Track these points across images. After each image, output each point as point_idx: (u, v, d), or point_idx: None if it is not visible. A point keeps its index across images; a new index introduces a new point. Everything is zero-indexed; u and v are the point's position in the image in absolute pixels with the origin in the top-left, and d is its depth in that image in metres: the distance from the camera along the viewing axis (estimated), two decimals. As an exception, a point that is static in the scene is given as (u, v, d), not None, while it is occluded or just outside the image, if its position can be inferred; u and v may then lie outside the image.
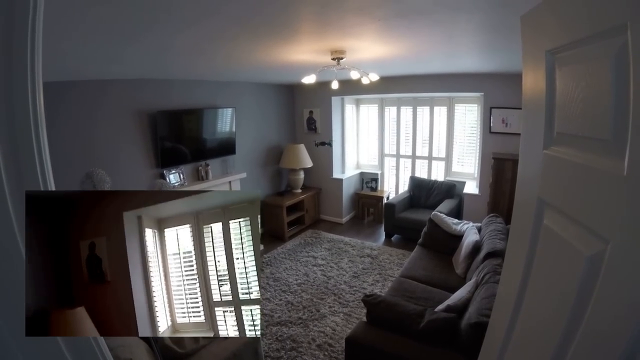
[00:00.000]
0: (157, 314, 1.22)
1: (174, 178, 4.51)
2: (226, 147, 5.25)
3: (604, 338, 0.67)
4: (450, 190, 5.62)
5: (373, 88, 5.23)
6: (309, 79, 3.44)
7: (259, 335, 2.69)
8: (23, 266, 0.88)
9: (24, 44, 0.83)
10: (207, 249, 1.29)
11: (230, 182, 5.32)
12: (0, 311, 0.91)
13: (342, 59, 3.03)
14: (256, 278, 1.28)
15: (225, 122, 5.19)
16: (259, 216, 1.31)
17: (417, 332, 2.26)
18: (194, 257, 1.29)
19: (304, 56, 3.12)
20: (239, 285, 1.27)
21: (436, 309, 2.52)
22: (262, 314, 3.74)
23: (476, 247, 3.49)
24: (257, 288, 1.29)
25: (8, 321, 0.91)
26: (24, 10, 0.82)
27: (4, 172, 0.83)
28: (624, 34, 0.60)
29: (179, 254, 1.29)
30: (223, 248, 1.27)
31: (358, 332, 2.46)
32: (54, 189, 0.91)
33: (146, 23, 1.83)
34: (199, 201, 1.28)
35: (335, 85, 3.71)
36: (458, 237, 3.95)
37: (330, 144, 6.47)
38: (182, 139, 4.57)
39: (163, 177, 4.37)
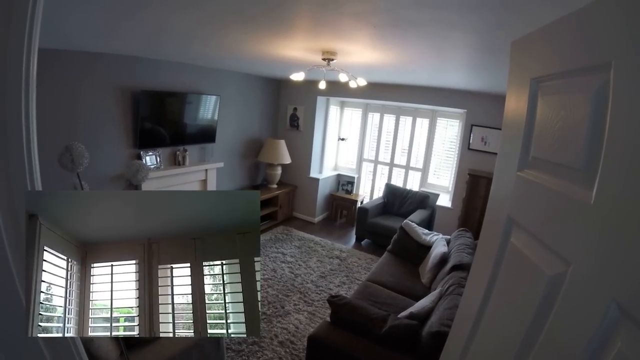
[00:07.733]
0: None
1: (150, 160, 4.41)
2: (206, 135, 5.17)
3: (559, 356, 0.71)
4: (423, 200, 5.72)
5: (359, 92, 5.29)
6: (298, 76, 3.44)
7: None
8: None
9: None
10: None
11: (206, 170, 5.25)
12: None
13: (332, 60, 3.04)
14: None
15: (208, 109, 5.11)
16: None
17: (379, 336, 2.30)
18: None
19: (295, 52, 3.12)
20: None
21: (399, 315, 2.57)
22: (226, 306, 3.71)
23: (443, 259, 3.57)
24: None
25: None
26: None
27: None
28: (607, 72, 0.64)
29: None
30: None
31: (321, 332, 2.47)
32: (40, 188, 0.91)
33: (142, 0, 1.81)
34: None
35: (322, 85, 3.72)
36: (427, 247, 4.03)
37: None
38: (163, 121, 4.48)
39: (140, 158, 4.27)
